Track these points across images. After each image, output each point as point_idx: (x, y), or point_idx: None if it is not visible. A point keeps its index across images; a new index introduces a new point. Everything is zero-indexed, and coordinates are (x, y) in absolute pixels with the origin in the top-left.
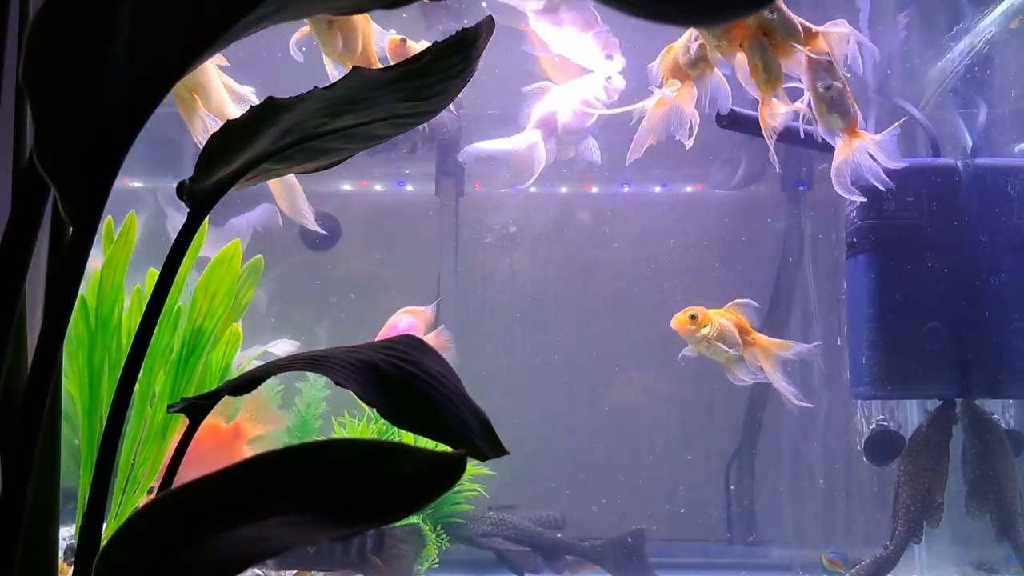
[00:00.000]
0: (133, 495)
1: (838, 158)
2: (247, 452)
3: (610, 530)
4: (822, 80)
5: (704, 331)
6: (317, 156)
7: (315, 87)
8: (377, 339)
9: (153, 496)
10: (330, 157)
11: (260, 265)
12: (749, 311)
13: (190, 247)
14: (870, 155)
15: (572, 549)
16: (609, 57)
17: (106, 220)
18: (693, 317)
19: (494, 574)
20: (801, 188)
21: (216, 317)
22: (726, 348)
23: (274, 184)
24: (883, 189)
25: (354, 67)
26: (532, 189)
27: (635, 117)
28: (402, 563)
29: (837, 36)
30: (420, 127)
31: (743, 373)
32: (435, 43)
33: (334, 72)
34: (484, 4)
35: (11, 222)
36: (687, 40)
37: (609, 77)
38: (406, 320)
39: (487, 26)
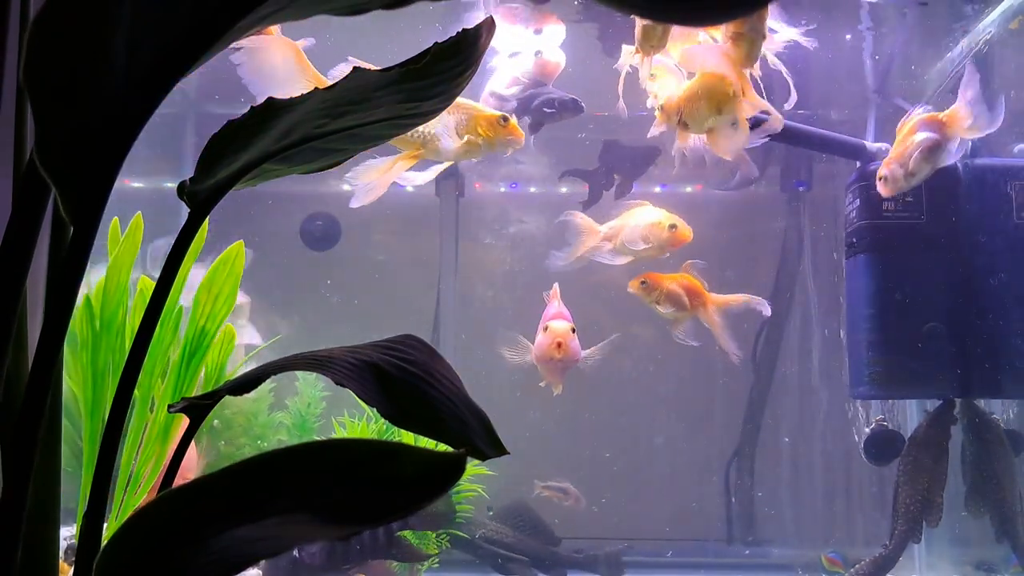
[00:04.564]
0: (135, 495)
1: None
2: None
3: (609, 530)
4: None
5: (654, 295)
6: (318, 157)
7: (315, 88)
8: (543, 321)
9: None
10: (331, 158)
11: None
12: (698, 270)
13: (192, 248)
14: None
15: (567, 561)
16: (538, 32)
17: (112, 221)
18: (644, 283)
19: (493, 574)
20: (801, 188)
21: (219, 318)
22: (674, 310)
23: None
24: None
25: (354, 67)
26: (532, 189)
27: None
28: (436, 514)
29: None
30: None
31: (686, 334)
32: (435, 44)
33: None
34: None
35: (12, 222)
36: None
37: (539, 51)
38: (555, 305)
39: (488, 27)
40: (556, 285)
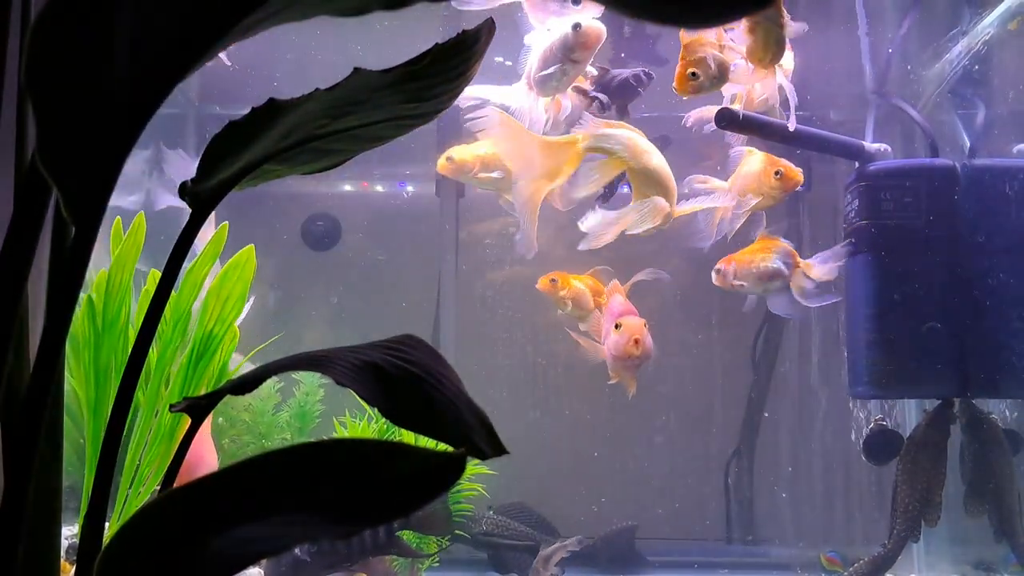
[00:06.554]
0: (139, 495)
1: None
2: None
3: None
4: None
5: (562, 293)
6: (319, 157)
7: (316, 88)
8: (609, 318)
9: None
10: (332, 158)
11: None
12: (605, 276)
13: (210, 251)
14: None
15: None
16: (576, 2)
17: (115, 220)
18: (553, 280)
19: (493, 574)
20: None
21: (228, 322)
22: (577, 310)
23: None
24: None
25: (355, 68)
26: None
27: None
28: (435, 520)
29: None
30: None
31: (595, 331)
32: (436, 44)
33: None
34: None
35: (13, 223)
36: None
37: (577, 24)
38: (620, 300)
39: (488, 28)
40: (615, 281)
